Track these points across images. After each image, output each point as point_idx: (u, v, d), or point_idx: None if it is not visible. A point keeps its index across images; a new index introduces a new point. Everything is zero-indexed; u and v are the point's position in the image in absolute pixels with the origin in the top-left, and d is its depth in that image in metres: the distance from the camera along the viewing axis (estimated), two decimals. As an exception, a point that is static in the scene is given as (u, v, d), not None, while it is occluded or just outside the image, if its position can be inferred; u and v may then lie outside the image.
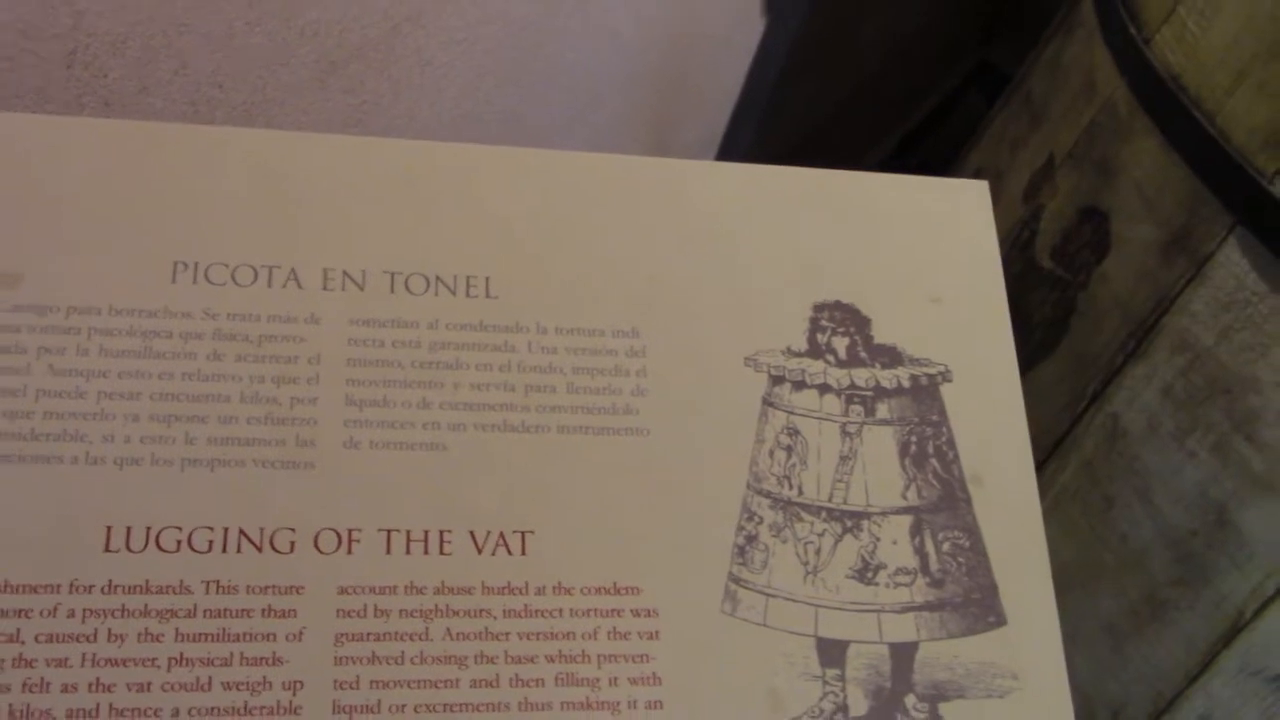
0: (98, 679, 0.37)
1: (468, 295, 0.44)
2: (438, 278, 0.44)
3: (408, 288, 0.44)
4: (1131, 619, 0.77)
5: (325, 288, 0.43)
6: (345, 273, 0.44)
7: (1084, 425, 0.78)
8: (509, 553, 0.41)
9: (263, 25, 0.65)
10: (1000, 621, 0.44)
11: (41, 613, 0.38)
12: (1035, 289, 0.82)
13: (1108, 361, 0.76)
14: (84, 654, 0.38)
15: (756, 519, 0.44)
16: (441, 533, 0.41)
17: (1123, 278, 0.75)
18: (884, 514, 0.45)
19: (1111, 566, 0.77)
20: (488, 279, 0.45)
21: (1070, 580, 0.80)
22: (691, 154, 1.26)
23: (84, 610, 0.38)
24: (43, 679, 0.37)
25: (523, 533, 0.42)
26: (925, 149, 1.69)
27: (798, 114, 1.40)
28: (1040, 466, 0.81)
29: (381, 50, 0.74)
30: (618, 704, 0.40)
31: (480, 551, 0.41)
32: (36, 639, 0.38)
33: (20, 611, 0.38)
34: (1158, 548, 0.74)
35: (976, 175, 0.98)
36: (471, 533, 0.41)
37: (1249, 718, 0.73)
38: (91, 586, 0.38)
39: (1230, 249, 0.68)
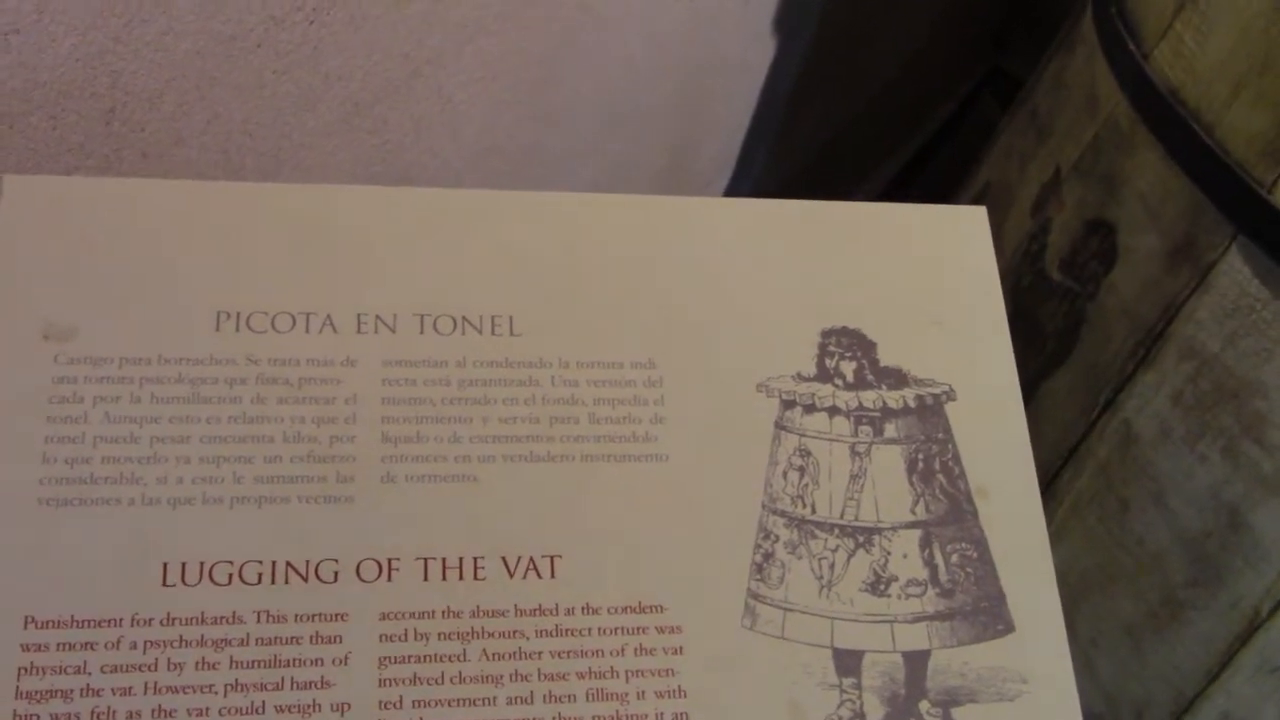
0: (159, 706, 0.40)
1: (493, 334, 0.46)
2: (465, 318, 0.47)
3: (436, 329, 0.46)
4: (1151, 621, 0.78)
5: (359, 331, 0.46)
6: (378, 316, 0.46)
7: (1098, 432, 0.79)
8: (539, 576, 0.43)
9: (290, 74, 0.68)
10: (1009, 628, 0.46)
11: (105, 645, 0.40)
12: (1046, 301, 0.84)
13: (1119, 369, 0.77)
14: (146, 683, 0.40)
15: (772, 537, 0.46)
16: (475, 559, 0.43)
17: (1130, 288, 0.76)
18: (894, 529, 0.46)
19: (1130, 569, 0.79)
20: (511, 318, 0.47)
21: (1090, 584, 0.82)
22: (708, 175, 1.28)
23: (145, 642, 0.40)
24: (109, 707, 0.39)
25: (551, 557, 0.44)
26: (940, 159, 1.70)
27: (813, 129, 1.41)
28: (1057, 473, 0.83)
29: (403, 91, 0.76)
30: (645, 716, 0.42)
31: (512, 576, 0.43)
32: (102, 669, 0.40)
33: (86, 644, 0.40)
34: (1174, 550, 0.75)
35: (986, 189, 1.00)
36: (503, 558, 0.43)
37: (1269, 714, 0.74)
38: (151, 619, 0.41)
39: (1233, 257, 0.69)
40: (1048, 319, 0.83)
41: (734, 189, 1.32)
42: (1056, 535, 0.83)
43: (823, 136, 1.46)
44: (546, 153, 0.96)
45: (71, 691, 0.39)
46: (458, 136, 0.84)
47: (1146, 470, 0.76)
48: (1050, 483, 0.83)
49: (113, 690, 0.40)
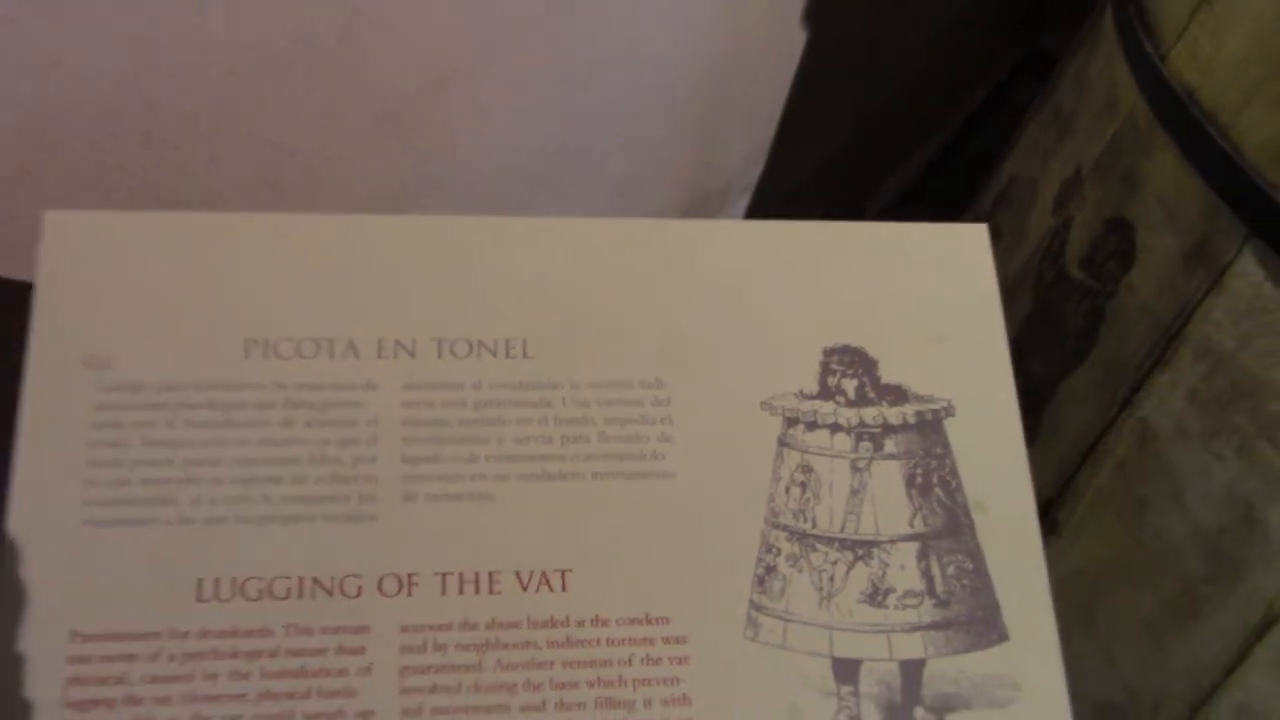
0: (197, 714, 0.43)
1: (507, 356, 0.49)
2: (480, 342, 0.49)
3: (453, 352, 0.48)
4: (1170, 615, 0.79)
5: (380, 356, 0.48)
6: (397, 341, 0.48)
7: (1116, 430, 0.80)
8: (551, 590, 0.46)
9: (321, 89, 0.70)
10: (1002, 638, 0.48)
11: (145, 657, 0.43)
12: (1067, 298, 0.84)
13: (1137, 368, 0.78)
14: (183, 692, 0.43)
15: (775, 551, 0.48)
16: (491, 574, 0.46)
17: (1148, 287, 0.77)
18: (892, 541, 0.48)
19: (1148, 565, 0.79)
20: (525, 341, 0.49)
21: (1110, 579, 0.82)
22: (739, 167, 1.28)
23: (182, 654, 0.43)
24: (150, 716, 0.42)
25: (563, 571, 0.46)
26: (978, 143, 1.69)
27: (844, 120, 1.41)
28: (1076, 470, 0.84)
29: (431, 101, 0.78)
30: None
31: (525, 589, 0.46)
32: (142, 680, 0.43)
33: (127, 656, 0.43)
34: (1190, 546, 0.76)
35: (1011, 184, 1.00)
36: (517, 573, 0.46)
37: (1286, 707, 0.75)
38: (187, 633, 0.43)
39: (1246, 259, 0.70)
40: (1069, 316, 0.84)
41: (766, 179, 1.33)
42: (1076, 531, 0.84)
43: (856, 124, 1.46)
44: (576, 155, 0.97)
45: (115, 701, 0.42)
46: (488, 143, 0.86)
47: (1164, 468, 0.77)
48: (1070, 479, 0.84)
49: (153, 699, 0.43)
